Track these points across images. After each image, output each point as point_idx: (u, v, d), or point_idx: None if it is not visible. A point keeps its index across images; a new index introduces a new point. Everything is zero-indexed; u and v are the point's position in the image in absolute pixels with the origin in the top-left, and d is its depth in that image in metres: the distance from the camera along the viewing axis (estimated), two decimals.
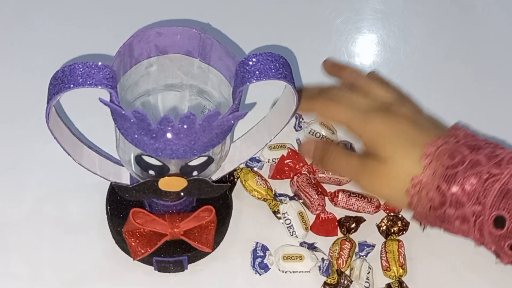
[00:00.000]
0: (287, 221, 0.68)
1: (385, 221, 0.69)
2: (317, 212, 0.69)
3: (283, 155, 0.73)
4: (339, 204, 0.70)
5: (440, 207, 0.61)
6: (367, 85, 0.69)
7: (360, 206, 0.70)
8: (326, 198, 0.71)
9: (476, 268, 0.68)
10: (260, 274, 0.66)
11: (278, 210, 0.69)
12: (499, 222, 0.59)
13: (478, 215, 0.60)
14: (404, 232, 0.69)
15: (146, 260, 0.65)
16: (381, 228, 0.69)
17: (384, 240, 0.69)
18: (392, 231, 0.69)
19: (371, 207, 0.70)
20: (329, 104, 0.68)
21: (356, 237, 0.69)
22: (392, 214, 0.70)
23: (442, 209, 0.61)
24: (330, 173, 0.70)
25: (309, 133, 0.74)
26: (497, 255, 0.62)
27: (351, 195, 0.70)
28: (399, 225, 0.69)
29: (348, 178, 0.69)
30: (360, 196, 0.70)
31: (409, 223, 0.70)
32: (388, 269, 0.66)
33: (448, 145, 0.62)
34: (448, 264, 0.69)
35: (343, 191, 0.70)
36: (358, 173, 0.66)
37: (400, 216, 0.70)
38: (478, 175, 0.60)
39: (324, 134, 0.74)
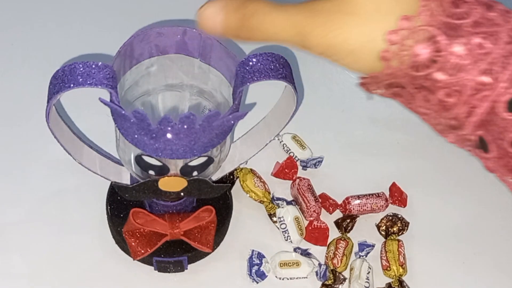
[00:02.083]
0: (283, 226, 0.68)
1: (384, 221, 0.69)
2: (311, 218, 0.69)
3: (290, 156, 0.73)
4: (353, 209, 0.70)
5: (425, 67, 0.45)
6: None
7: (372, 203, 0.70)
8: (325, 208, 0.71)
9: (476, 268, 0.68)
10: (257, 282, 0.66)
11: (274, 213, 0.69)
12: None
13: (481, 89, 0.44)
14: (404, 232, 0.69)
15: (146, 260, 0.65)
16: (381, 228, 0.69)
17: (384, 240, 0.69)
18: (391, 231, 0.69)
19: (381, 200, 0.70)
20: None
21: (356, 237, 0.69)
22: (391, 214, 0.70)
23: (427, 71, 0.45)
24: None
25: (280, 142, 0.75)
26: (480, 146, 0.47)
27: (360, 197, 0.70)
28: (399, 225, 0.69)
29: (290, 40, 0.47)
30: (369, 195, 0.70)
31: (408, 223, 0.70)
32: (388, 268, 0.66)
33: None
34: (448, 264, 0.69)
35: (352, 196, 0.70)
36: (305, 25, 0.46)
37: (399, 216, 0.70)
38: (495, 35, 0.44)
39: (292, 149, 0.74)
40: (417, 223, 0.70)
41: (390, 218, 0.70)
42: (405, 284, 0.66)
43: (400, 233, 0.69)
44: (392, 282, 0.66)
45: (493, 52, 0.44)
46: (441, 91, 0.45)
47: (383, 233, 0.69)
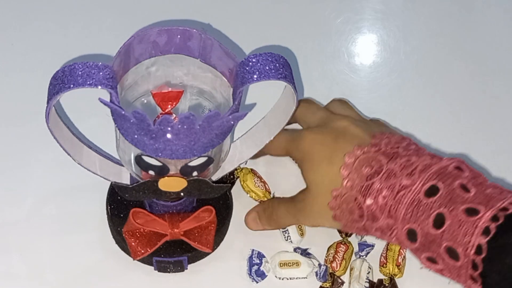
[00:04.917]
0: None
1: None
2: None
3: None
4: None
5: (359, 219, 0.61)
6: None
7: None
8: None
9: None
10: (257, 282, 0.66)
11: None
12: (411, 235, 0.58)
13: (392, 229, 0.59)
14: None
15: (146, 260, 0.65)
16: None
17: None
18: None
19: None
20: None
21: (356, 237, 0.69)
22: None
23: (362, 222, 0.61)
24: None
25: None
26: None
27: None
28: None
29: (295, 225, 0.68)
30: None
31: None
32: (384, 265, 0.66)
33: (367, 155, 0.61)
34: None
35: None
36: (297, 215, 0.65)
37: None
38: (391, 187, 0.59)
39: None
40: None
41: None
42: (394, 283, 0.66)
43: None
44: (384, 279, 0.66)
45: (389, 200, 0.58)
46: (377, 233, 0.61)
47: None
